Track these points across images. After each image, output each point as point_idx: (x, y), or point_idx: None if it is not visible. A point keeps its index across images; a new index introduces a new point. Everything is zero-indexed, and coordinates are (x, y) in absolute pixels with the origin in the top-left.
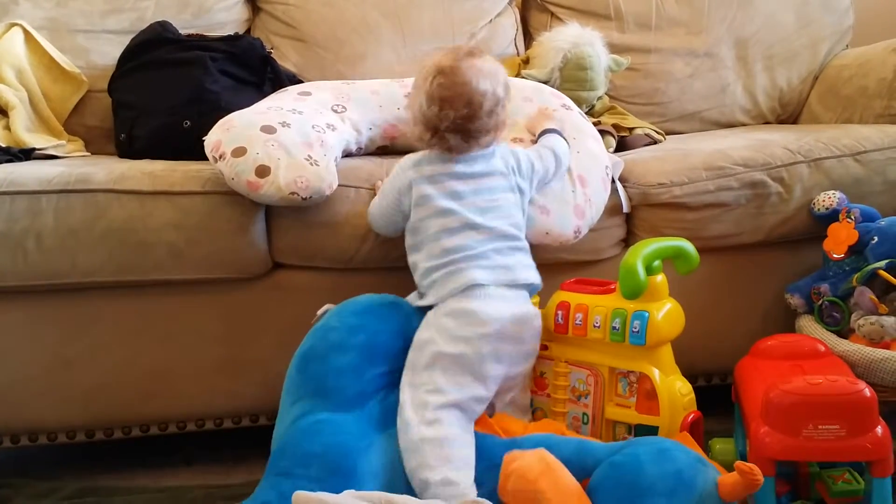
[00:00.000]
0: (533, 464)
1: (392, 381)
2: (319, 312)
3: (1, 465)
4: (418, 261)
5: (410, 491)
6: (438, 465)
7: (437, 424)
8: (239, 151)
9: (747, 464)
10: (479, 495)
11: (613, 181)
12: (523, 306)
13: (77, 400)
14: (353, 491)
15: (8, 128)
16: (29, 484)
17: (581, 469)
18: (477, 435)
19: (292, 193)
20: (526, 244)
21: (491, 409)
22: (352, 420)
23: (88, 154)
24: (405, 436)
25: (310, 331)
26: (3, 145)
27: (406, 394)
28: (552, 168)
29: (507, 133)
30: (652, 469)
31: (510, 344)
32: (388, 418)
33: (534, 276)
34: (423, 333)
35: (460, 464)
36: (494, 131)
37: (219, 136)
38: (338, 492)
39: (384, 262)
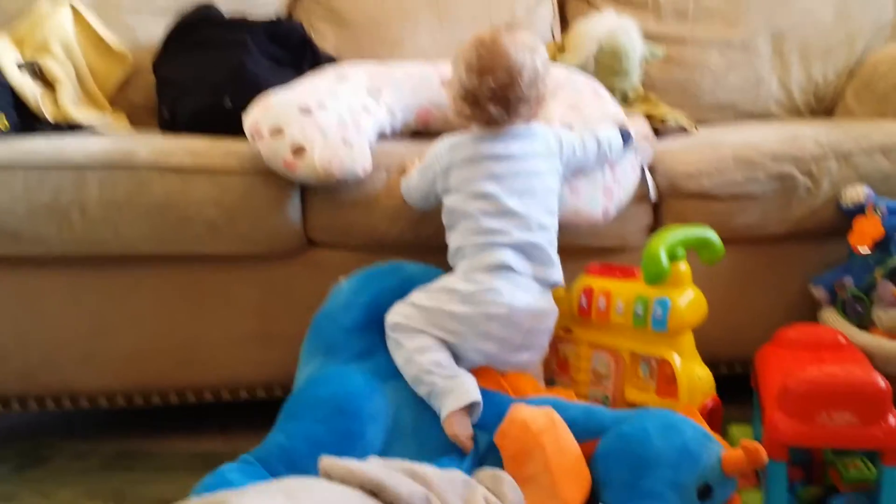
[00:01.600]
0: (538, 417)
1: None
2: (335, 284)
3: (43, 426)
4: (453, 239)
5: (414, 437)
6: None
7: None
8: (276, 132)
9: (753, 442)
10: (483, 440)
11: (642, 167)
12: (543, 301)
13: (116, 366)
14: (377, 457)
15: (56, 102)
16: (68, 445)
17: (585, 431)
18: (486, 392)
19: (327, 174)
20: (555, 236)
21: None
22: (358, 371)
23: (132, 130)
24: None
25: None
26: (51, 120)
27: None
28: (592, 156)
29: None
30: (659, 442)
31: (515, 332)
32: (393, 372)
33: (558, 276)
34: (442, 279)
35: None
36: (535, 104)
37: (257, 117)
38: (341, 431)
39: (416, 242)
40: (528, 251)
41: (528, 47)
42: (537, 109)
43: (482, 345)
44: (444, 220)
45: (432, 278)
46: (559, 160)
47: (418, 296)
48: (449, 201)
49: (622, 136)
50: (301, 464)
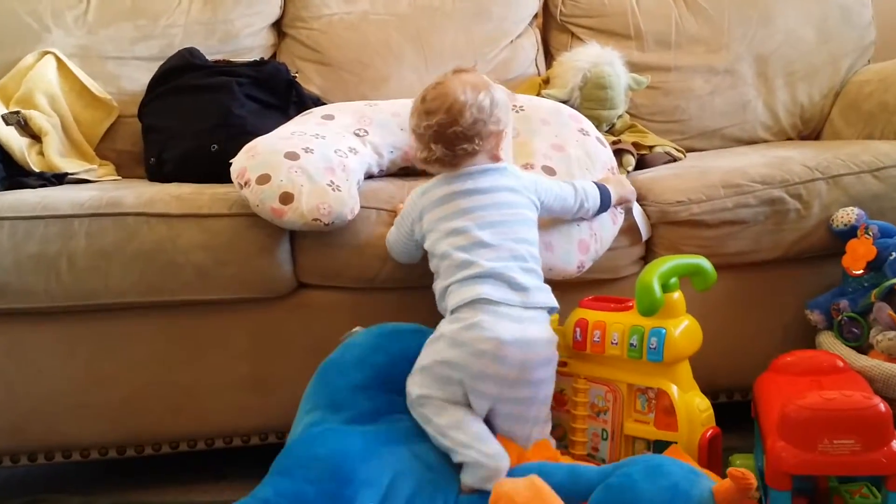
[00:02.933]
0: (521, 489)
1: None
2: (348, 333)
3: (35, 480)
4: (437, 284)
5: None
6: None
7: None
8: (263, 179)
9: (739, 469)
10: None
11: (631, 211)
12: (534, 329)
13: (109, 417)
14: None
15: (42, 153)
16: (62, 500)
17: (574, 493)
18: None
19: (315, 220)
20: (537, 266)
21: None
22: (360, 433)
23: (119, 178)
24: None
25: (337, 346)
26: (37, 170)
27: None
28: (570, 198)
29: (518, 160)
30: (647, 486)
31: (508, 367)
32: (397, 437)
33: (550, 299)
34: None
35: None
36: (478, 139)
37: (244, 163)
38: (331, 495)
39: (406, 282)
40: (506, 280)
41: (473, 86)
42: (489, 147)
43: (481, 386)
44: (431, 266)
45: None
46: (534, 194)
47: (421, 356)
48: (427, 245)
49: (602, 197)
50: None
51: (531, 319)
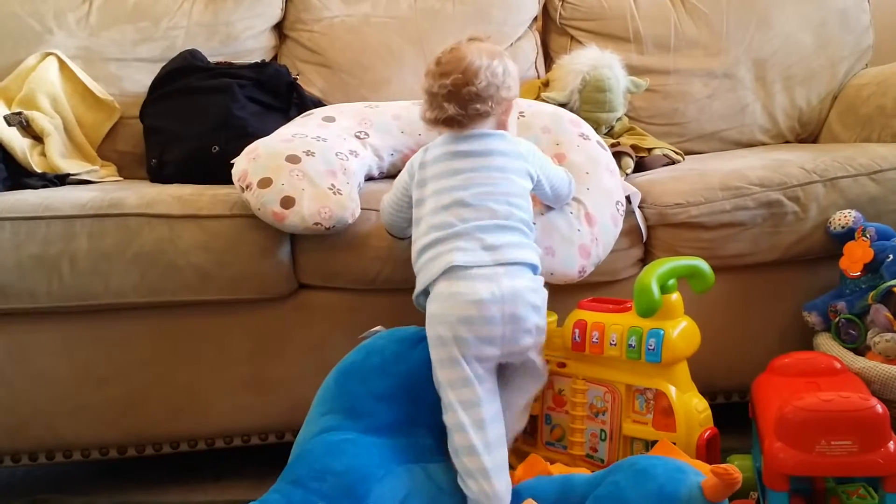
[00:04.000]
0: None
1: (428, 422)
2: (368, 332)
3: (36, 481)
4: (414, 241)
5: None
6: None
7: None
8: (265, 182)
9: (723, 465)
10: None
11: (633, 209)
12: (509, 282)
13: (109, 417)
14: None
15: (44, 154)
16: (63, 499)
17: None
18: None
19: (316, 224)
20: (523, 226)
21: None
22: (378, 446)
23: (121, 179)
24: None
25: (356, 347)
26: (39, 171)
27: None
28: (563, 187)
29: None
30: (633, 493)
31: (496, 326)
32: (413, 453)
33: (526, 255)
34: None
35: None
36: (494, 104)
37: (245, 166)
38: None
39: (406, 283)
40: (477, 239)
41: (488, 52)
42: (499, 112)
43: (483, 350)
44: (413, 215)
45: None
46: (531, 165)
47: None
48: (415, 196)
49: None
50: None
51: (507, 274)
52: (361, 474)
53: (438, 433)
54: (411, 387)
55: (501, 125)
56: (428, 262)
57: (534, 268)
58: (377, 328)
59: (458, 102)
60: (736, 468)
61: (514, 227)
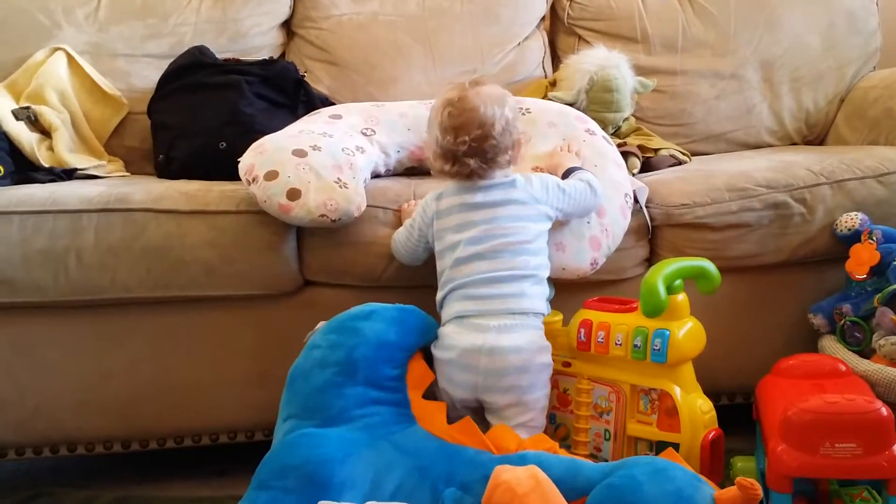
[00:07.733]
0: (523, 479)
1: (377, 396)
2: (310, 332)
3: (40, 473)
4: (439, 292)
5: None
6: None
7: None
8: (271, 175)
9: (748, 479)
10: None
11: (639, 205)
12: (507, 338)
13: (114, 411)
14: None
15: (51, 148)
16: (67, 493)
17: (572, 489)
18: (469, 451)
19: (322, 216)
20: (537, 272)
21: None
22: (334, 435)
23: (128, 174)
24: None
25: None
26: (47, 165)
27: None
28: (589, 200)
29: (528, 164)
30: (651, 489)
31: (471, 374)
32: (374, 432)
33: (534, 305)
34: None
35: None
36: (511, 149)
37: (252, 160)
38: (312, 501)
39: (411, 280)
40: (487, 290)
41: (494, 99)
42: (515, 154)
43: (456, 392)
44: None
45: (405, 317)
46: (546, 204)
47: None
48: (436, 249)
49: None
50: None
51: (509, 328)
52: (319, 461)
53: (391, 403)
54: (352, 370)
55: (514, 161)
56: (445, 306)
57: (538, 315)
58: (321, 323)
59: (481, 157)
60: (758, 484)
61: (529, 275)
